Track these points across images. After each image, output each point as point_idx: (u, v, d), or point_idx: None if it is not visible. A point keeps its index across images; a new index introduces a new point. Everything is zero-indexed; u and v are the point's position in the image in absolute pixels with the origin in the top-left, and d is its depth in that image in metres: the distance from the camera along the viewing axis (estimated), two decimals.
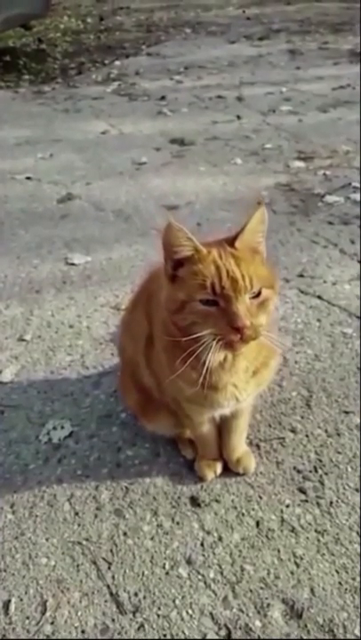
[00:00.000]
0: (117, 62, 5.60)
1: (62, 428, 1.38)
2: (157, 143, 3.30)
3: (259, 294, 0.91)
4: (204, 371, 0.92)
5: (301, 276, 1.95)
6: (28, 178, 2.94)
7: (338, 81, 4.45)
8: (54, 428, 1.38)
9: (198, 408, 1.10)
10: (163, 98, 4.26)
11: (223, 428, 1.22)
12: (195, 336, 0.90)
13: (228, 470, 1.25)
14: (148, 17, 8.25)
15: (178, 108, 4.00)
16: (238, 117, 3.71)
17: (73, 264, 2.11)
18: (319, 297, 1.84)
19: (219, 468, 1.24)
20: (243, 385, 1.03)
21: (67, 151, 3.30)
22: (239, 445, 1.25)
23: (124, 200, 2.61)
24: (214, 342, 0.89)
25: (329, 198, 2.49)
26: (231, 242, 0.93)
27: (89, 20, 8.03)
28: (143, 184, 2.77)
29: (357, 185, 2.62)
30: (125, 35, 7.01)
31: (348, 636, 0.96)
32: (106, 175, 2.91)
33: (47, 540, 1.14)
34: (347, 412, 1.39)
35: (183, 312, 0.91)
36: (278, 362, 1.12)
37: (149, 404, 1.24)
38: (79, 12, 8.78)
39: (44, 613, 1.01)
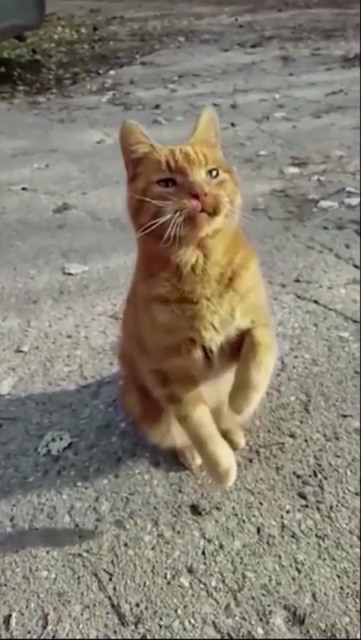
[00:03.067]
0: (112, 72, 5.64)
1: (61, 439, 1.38)
2: None
3: (217, 175, 0.92)
4: (175, 249, 0.90)
5: (298, 280, 1.95)
6: (24, 189, 2.95)
7: (331, 87, 4.49)
8: (53, 440, 1.38)
9: (182, 361, 1.02)
10: (157, 106, 4.28)
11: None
12: (161, 220, 0.86)
13: None
14: (142, 26, 8.31)
15: (172, 116, 4.03)
16: (233, 125, 3.73)
17: (70, 274, 2.12)
18: (316, 301, 1.84)
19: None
20: (217, 300, 0.96)
21: (63, 161, 3.31)
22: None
23: (120, 209, 2.60)
24: (176, 215, 0.85)
25: (323, 203, 2.51)
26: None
27: (83, 30, 8.09)
28: None
29: (351, 190, 2.63)
30: (119, 44, 7.07)
31: None
32: (102, 184, 2.93)
33: (47, 552, 1.13)
34: (345, 416, 1.39)
35: (144, 204, 0.89)
36: (257, 264, 1.03)
37: (150, 407, 1.22)
38: (73, 22, 8.84)
39: (45, 627, 1.01)
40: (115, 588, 1.06)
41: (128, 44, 7.10)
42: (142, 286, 1.00)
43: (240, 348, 1.01)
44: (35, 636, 0.99)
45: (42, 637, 0.99)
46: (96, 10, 10.15)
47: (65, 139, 3.73)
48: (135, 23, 8.63)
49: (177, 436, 1.23)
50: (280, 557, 1.09)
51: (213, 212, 0.88)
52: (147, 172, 0.92)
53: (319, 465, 1.27)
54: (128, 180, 0.97)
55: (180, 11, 9.75)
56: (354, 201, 2.52)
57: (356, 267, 2.02)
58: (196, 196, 0.86)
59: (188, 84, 4.94)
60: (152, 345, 1.06)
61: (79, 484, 1.27)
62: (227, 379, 1.06)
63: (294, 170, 2.93)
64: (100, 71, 5.67)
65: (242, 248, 1.00)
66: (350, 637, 0.96)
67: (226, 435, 1.29)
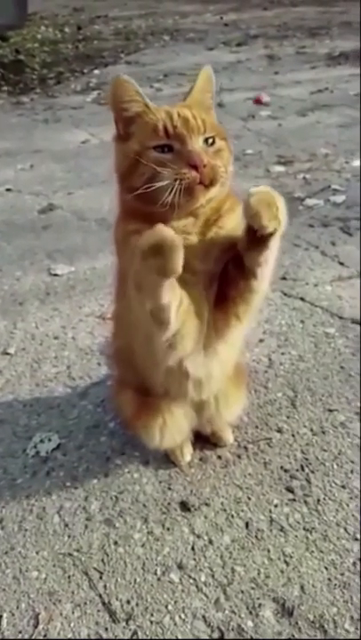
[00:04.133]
0: (96, 71, 5.63)
1: (49, 440, 1.38)
2: None
3: (213, 143, 0.92)
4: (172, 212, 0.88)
5: (284, 278, 1.97)
6: (8, 189, 2.94)
7: (316, 85, 4.52)
8: (41, 441, 1.38)
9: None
10: None
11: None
12: (157, 185, 0.86)
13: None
14: (126, 25, 8.30)
15: None
16: (219, 123, 3.75)
17: (56, 275, 2.12)
18: (302, 299, 1.86)
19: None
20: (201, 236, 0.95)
21: (47, 161, 3.31)
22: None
23: (106, 209, 2.61)
24: (176, 183, 0.85)
25: (309, 201, 2.53)
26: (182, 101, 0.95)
27: (66, 29, 8.06)
28: None
29: (337, 187, 2.66)
30: (104, 43, 7.05)
31: (339, 631, 0.97)
32: (87, 184, 2.93)
33: (37, 553, 1.14)
34: (331, 411, 1.41)
35: (138, 168, 0.88)
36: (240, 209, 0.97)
37: (144, 407, 1.21)
38: (56, 21, 8.81)
39: (36, 627, 1.01)
40: (105, 586, 1.07)
41: (113, 43, 7.08)
42: (121, 226, 0.98)
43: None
44: (26, 636, 1.00)
45: (33, 637, 1.00)
46: (80, 9, 10.12)
47: (49, 139, 3.72)
48: (120, 22, 8.62)
49: (172, 436, 1.23)
50: (269, 551, 1.11)
51: (210, 184, 0.88)
52: (141, 135, 0.90)
53: (306, 459, 1.29)
54: (117, 137, 0.95)
55: (165, 9, 9.76)
56: (339, 199, 2.54)
57: (341, 264, 2.04)
58: (194, 167, 0.86)
59: (173, 82, 4.94)
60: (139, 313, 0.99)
61: (68, 484, 1.28)
62: (215, 363, 1.08)
63: (280, 168, 2.95)
64: (85, 71, 5.66)
65: (229, 198, 1.00)
66: (338, 628, 0.98)
67: (214, 431, 1.31)
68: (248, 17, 8.47)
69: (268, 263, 0.96)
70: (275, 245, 0.93)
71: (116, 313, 1.25)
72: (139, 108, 0.92)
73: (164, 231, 0.81)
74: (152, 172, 0.87)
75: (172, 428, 1.18)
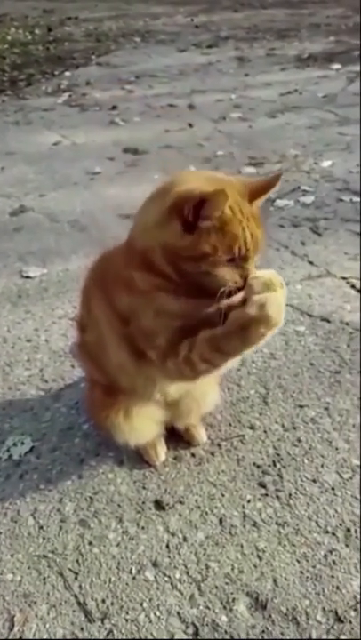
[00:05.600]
0: (67, 73, 5.60)
1: (22, 443, 1.38)
2: (111, 153, 3.32)
3: None
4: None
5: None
6: None
7: (285, 86, 4.59)
8: (14, 445, 1.37)
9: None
10: (114, 107, 4.28)
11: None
12: (213, 283, 0.94)
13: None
14: (97, 26, 8.28)
15: (130, 117, 4.04)
16: (190, 125, 3.77)
17: (28, 277, 2.11)
18: None
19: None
20: None
21: (19, 164, 3.28)
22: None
23: (79, 210, 2.61)
24: (228, 286, 0.94)
25: (279, 202, 2.57)
26: (250, 198, 0.96)
27: (37, 30, 7.99)
28: (98, 194, 2.78)
29: (306, 188, 2.71)
30: (75, 45, 7.02)
31: (311, 623, 1.00)
32: (60, 186, 2.91)
33: (12, 555, 1.13)
34: (301, 407, 1.44)
35: (200, 262, 0.93)
36: None
37: (115, 406, 1.20)
38: (27, 23, 8.72)
39: (11, 629, 1.01)
40: (80, 586, 1.07)
41: (83, 44, 7.06)
42: (146, 279, 0.99)
43: None
44: (1, 638, 1.00)
45: (9, 639, 0.99)
46: (50, 10, 10.04)
47: (21, 141, 3.69)
48: (90, 24, 8.58)
49: (142, 433, 1.24)
50: (242, 546, 1.13)
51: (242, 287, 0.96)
52: (218, 244, 0.92)
53: (278, 455, 1.32)
54: (183, 223, 0.92)
55: (136, 11, 9.76)
56: (308, 199, 2.59)
57: (311, 263, 2.08)
58: (244, 280, 0.95)
59: (144, 84, 4.96)
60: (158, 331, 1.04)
61: (42, 486, 1.27)
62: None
63: (251, 169, 2.99)
64: (56, 72, 5.62)
65: None
66: (310, 619, 1.00)
67: (187, 430, 1.33)
68: (218, 19, 8.55)
69: None
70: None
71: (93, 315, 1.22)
72: (223, 223, 0.92)
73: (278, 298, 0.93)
74: (208, 270, 0.93)
75: (142, 423, 1.20)
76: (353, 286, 1.94)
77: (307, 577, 1.07)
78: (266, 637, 0.98)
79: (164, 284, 0.98)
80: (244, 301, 0.95)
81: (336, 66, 5.19)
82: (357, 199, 2.56)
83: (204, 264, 0.93)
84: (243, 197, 0.95)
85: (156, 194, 0.99)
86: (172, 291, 0.98)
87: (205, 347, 0.98)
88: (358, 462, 1.28)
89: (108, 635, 0.99)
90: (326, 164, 2.99)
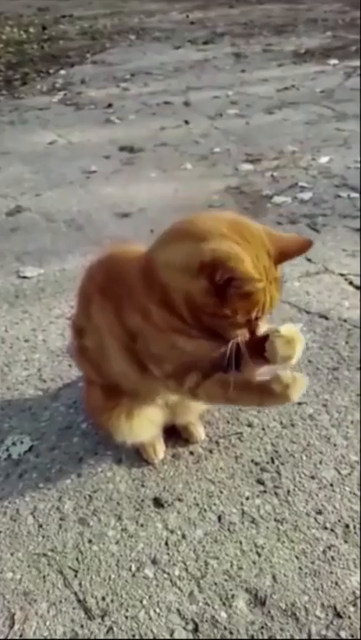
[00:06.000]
0: (62, 71, 5.59)
1: (22, 443, 1.38)
2: (107, 151, 3.32)
3: None
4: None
5: None
6: None
7: (282, 82, 4.58)
8: (13, 444, 1.38)
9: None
10: (110, 106, 4.28)
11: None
12: (227, 334, 0.96)
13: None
14: (92, 24, 8.25)
15: (125, 115, 4.03)
16: (186, 122, 3.76)
17: (25, 277, 2.11)
18: None
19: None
20: None
21: (15, 163, 3.27)
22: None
23: (75, 210, 2.61)
24: (237, 337, 0.95)
25: (277, 199, 2.57)
26: (276, 259, 0.94)
27: (31, 29, 7.96)
28: (94, 193, 2.78)
29: (304, 185, 2.70)
30: (69, 43, 7.00)
31: (310, 618, 1.00)
32: (56, 185, 2.91)
33: (12, 554, 1.14)
34: (300, 404, 1.44)
35: (219, 319, 0.94)
36: None
37: (115, 405, 1.21)
38: (21, 21, 8.69)
39: (12, 627, 1.01)
40: (80, 584, 1.08)
41: (78, 42, 7.04)
42: (165, 317, 0.99)
43: None
44: (2, 636, 1.00)
45: (9, 637, 1.00)
46: (44, 9, 10.01)
47: (16, 140, 3.68)
48: (85, 21, 8.56)
49: (143, 434, 1.24)
50: (241, 543, 1.13)
51: None
52: (238, 307, 0.92)
53: (276, 451, 1.32)
54: (208, 283, 0.90)
55: (131, 8, 9.73)
56: (306, 196, 2.59)
57: (308, 260, 2.08)
58: (252, 334, 0.97)
59: (140, 82, 4.95)
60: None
61: (41, 485, 1.28)
62: None
63: (248, 166, 2.98)
64: (51, 71, 5.61)
65: None
66: (310, 615, 1.01)
67: (186, 428, 1.33)
68: (214, 15, 8.52)
69: None
70: None
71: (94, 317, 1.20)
72: (250, 293, 0.91)
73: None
74: (221, 324, 0.95)
75: (143, 425, 1.20)
76: (351, 283, 1.94)
77: (306, 573, 1.07)
78: (265, 633, 0.99)
79: (180, 326, 0.98)
80: (256, 341, 0.98)
81: (333, 61, 5.18)
82: (355, 195, 2.56)
83: (221, 321, 0.94)
84: (270, 257, 0.92)
85: (185, 232, 0.95)
86: (186, 332, 0.98)
87: (217, 387, 1.03)
88: (357, 458, 1.29)
89: (108, 632, 1.00)
90: (324, 159, 2.99)
